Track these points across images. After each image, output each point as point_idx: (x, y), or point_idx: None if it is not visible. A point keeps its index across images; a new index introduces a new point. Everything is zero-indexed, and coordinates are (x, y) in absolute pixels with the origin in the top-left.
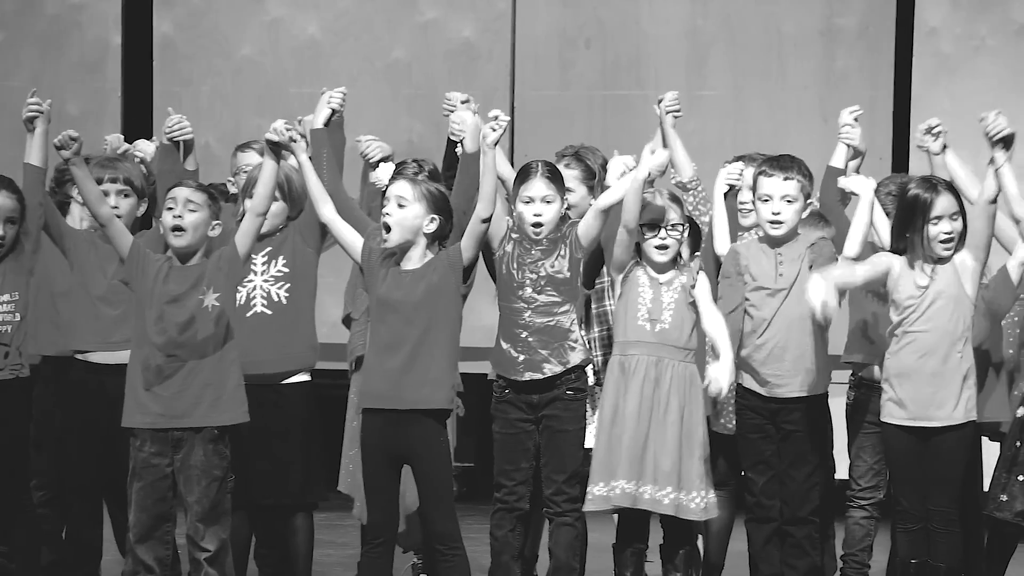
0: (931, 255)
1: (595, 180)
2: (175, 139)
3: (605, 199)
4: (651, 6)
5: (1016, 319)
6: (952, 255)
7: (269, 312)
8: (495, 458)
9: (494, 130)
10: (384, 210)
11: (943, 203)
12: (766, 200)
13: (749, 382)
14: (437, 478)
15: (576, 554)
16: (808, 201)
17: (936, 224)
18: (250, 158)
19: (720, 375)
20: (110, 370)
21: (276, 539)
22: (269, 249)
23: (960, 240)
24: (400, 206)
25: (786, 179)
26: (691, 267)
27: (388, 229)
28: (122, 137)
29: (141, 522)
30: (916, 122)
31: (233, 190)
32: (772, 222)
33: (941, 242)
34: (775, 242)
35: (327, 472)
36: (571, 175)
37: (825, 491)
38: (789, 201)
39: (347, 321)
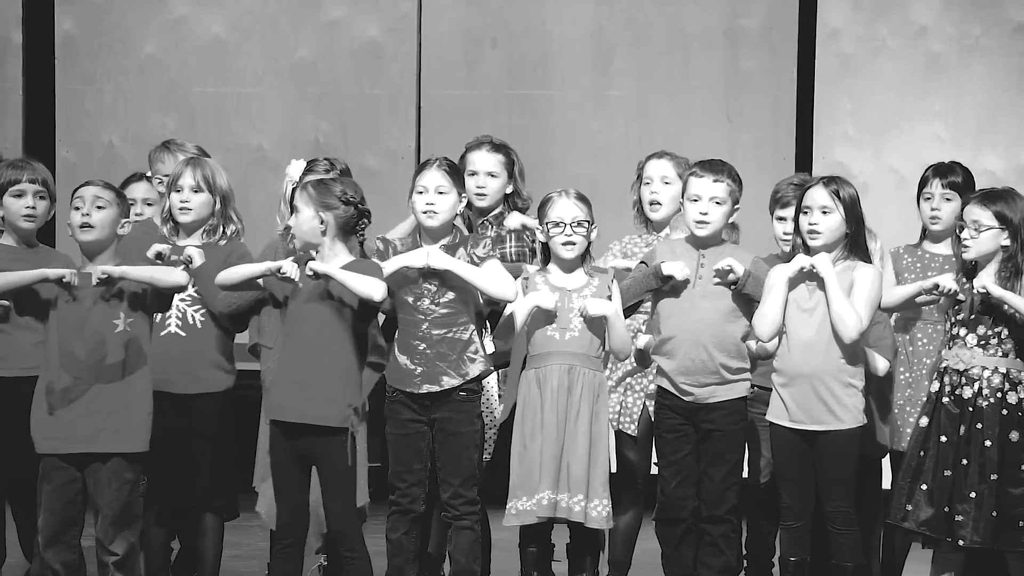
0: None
1: (515, 168)
2: None
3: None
4: (556, 6)
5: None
6: (821, 247)
7: (183, 334)
8: (389, 460)
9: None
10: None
11: (812, 195)
12: (695, 200)
13: (668, 385)
14: (339, 480)
15: (476, 557)
16: (735, 207)
17: (805, 214)
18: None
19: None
20: (21, 379)
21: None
22: None
23: (851, 241)
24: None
25: (716, 181)
26: (606, 275)
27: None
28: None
29: (50, 525)
30: (819, 122)
31: (161, 189)
32: (699, 222)
33: (807, 233)
34: (700, 243)
35: (239, 476)
36: (495, 159)
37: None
38: (718, 203)
39: (254, 350)
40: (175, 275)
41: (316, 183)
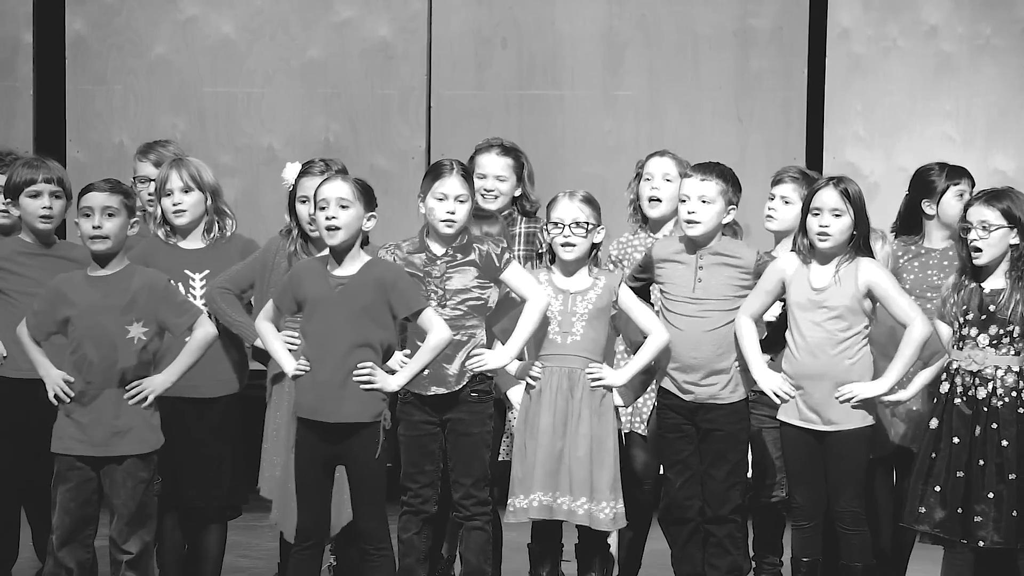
0: (811, 247)
1: (524, 171)
2: None
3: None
4: (567, 6)
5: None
6: (830, 248)
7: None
8: (401, 461)
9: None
10: (326, 213)
11: (822, 197)
12: (684, 200)
13: (669, 384)
14: (370, 478)
15: (488, 558)
16: (730, 207)
17: (815, 216)
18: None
19: (614, 380)
20: (39, 381)
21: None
22: (208, 272)
23: (857, 240)
24: (343, 207)
25: (703, 180)
26: (613, 275)
27: (333, 229)
28: None
29: (65, 525)
30: (830, 122)
31: (149, 192)
32: (688, 222)
33: (817, 235)
34: (695, 244)
35: (248, 478)
36: (504, 163)
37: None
38: (705, 202)
39: (260, 351)
40: (205, 340)
41: (363, 183)
